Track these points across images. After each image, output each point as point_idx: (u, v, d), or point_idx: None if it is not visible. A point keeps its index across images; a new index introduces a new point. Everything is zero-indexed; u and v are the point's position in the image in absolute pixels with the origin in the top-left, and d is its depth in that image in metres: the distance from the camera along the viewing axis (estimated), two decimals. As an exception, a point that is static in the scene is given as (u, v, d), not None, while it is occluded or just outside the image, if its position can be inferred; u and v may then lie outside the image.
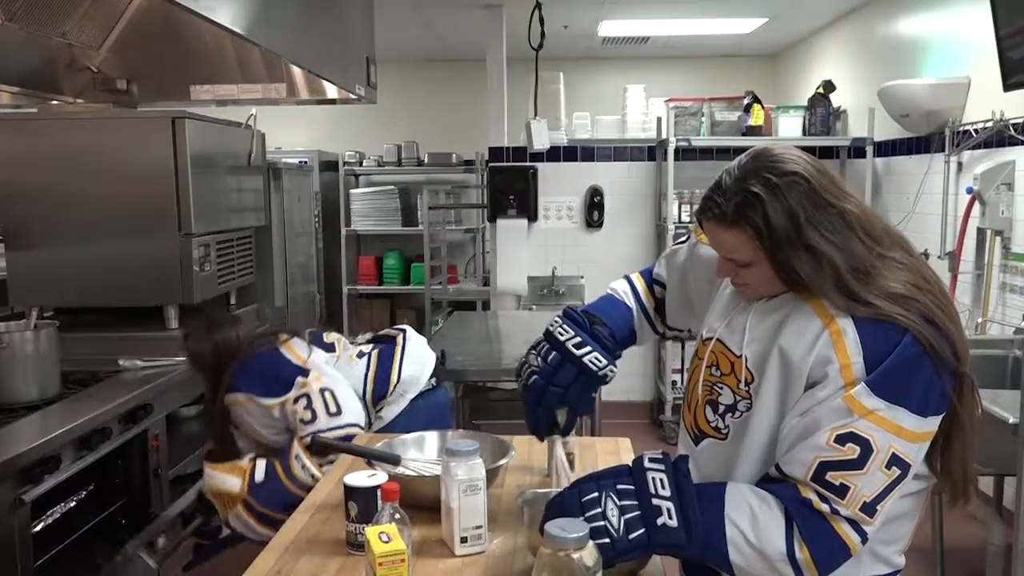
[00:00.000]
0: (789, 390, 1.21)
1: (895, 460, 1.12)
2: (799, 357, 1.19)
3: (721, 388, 1.31)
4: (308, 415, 2.06)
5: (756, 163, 1.22)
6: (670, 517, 1.15)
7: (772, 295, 1.28)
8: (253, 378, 2.12)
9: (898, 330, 1.14)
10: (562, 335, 1.49)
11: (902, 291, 1.16)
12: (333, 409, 2.07)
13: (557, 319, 1.53)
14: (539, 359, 1.50)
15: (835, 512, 1.12)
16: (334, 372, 2.19)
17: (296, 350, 2.18)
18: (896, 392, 1.12)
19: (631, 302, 1.63)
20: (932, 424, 1.15)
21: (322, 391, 2.08)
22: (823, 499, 1.13)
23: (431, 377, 2.43)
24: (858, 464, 1.11)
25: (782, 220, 1.17)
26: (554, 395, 1.47)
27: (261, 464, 2.08)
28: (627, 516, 1.16)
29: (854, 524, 1.13)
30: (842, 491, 1.12)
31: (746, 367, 1.26)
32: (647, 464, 1.21)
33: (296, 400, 2.07)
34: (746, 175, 1.21)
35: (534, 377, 1.49)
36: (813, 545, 1.12)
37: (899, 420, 1.12)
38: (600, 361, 1.47)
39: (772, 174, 1.19)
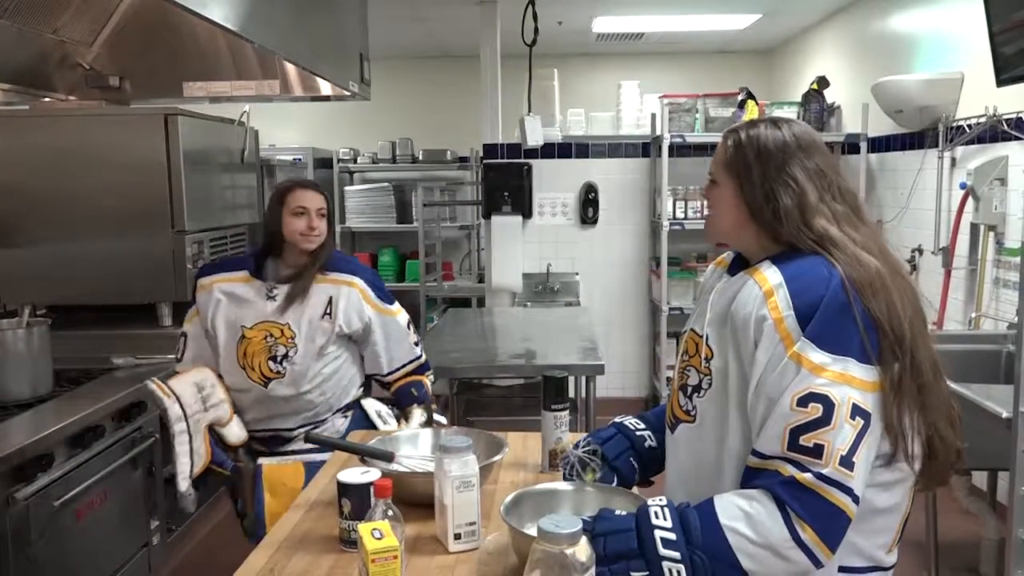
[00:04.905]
0: (741, 355, 1.25)
1: (857, 410, 1.16)
2: (742, 320, 1.25)
3: (689, 371, 1.35)
4: (415, 337, 2.31)
5: (775, 117, 1.37)
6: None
7: (728, 240, 1.36)
8: (370, 276, 2.23)
9: (823, 277, 1.19)
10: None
11: (837, 235, 1.23)
12: (415, 339, 2.30)
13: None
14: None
15: (819, 477, 1.14)
16: None
17: None
18: (838, 343, 1.17)
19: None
20: (881, 373, 1.19)
21: (408, 322, 2.30)
22: (803, 468, 1.15)
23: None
24: (824, 421, 1.15)
25: (762, 148, 1.29)
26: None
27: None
28: None
29: (839, 486, 1.14)
30: (817, 451, 1.15)
31: (707, 344, 1.31)
32: (656, 532, 1.18)
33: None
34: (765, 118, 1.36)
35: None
36: (812, 521, 1.14)
37: (849, 371, 1.17)
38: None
39: (781, 121, 1.33)
